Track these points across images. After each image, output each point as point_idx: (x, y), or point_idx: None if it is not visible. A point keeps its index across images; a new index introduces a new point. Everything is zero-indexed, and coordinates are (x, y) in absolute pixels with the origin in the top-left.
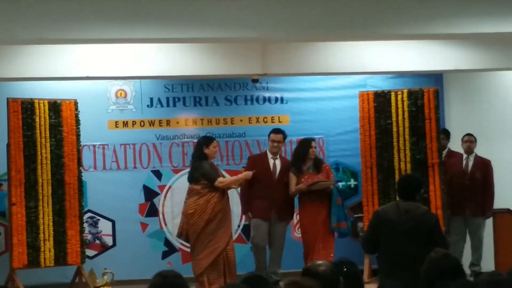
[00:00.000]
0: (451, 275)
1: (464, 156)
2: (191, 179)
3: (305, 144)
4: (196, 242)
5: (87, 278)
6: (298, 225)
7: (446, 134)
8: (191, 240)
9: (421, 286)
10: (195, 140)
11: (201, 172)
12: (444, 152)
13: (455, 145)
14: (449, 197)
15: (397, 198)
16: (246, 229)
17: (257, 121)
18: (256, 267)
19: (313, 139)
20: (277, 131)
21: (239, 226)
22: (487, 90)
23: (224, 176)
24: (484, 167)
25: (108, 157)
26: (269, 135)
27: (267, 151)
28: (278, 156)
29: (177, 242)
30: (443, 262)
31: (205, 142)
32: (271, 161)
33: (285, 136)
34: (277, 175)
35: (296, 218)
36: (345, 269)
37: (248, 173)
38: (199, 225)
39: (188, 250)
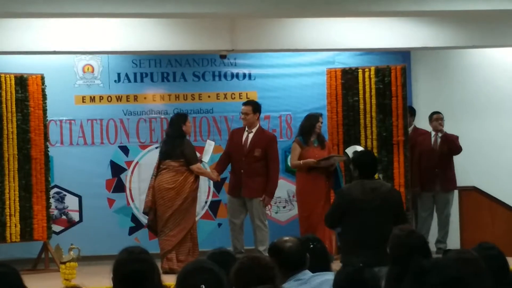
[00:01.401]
0: (416, 252)
1: (433, 133)
2: (170, 155)
3: (312, 118)
4: (170, 218)
5: (53, 253)
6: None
7: (412, 111)
8: (162, 216)
9: (385, 263)
10: (163, 116)
11: (186, 151)
12: (410, 130)
13: (422, 122)
14: (418, 174)
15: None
16: (213, 205)
17: (225, 97)
18: (232, 246)
19: (320, 114)
20: (245, 102)
21: (206, 202)
22: (455, 68)
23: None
24: (451, 142)
25: (75, 133)
26: None
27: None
28: (253, 130)
29: (144, 218)
30: (408, 240)
31: (182, 119)
32: (244, 135)
33: (254, 108)
34: (246, 148)
35: None
36: (311, 246)
37: (213, 177)
38: (175, 201)
39: None
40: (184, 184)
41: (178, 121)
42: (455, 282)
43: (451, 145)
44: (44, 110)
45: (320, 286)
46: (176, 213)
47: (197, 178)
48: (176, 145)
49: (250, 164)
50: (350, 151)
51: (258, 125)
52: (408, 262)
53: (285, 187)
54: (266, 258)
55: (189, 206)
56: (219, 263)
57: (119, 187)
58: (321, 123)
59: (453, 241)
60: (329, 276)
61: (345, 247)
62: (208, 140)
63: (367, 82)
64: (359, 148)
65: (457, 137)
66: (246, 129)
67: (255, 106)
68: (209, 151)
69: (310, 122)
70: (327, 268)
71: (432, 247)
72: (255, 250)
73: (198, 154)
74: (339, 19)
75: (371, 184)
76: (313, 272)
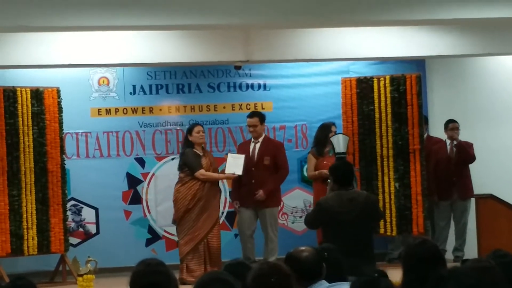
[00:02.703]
0: (429, 261)
1: (448, 142)
2: (178, 167)
3: (325, 128)
4: (178, 227)
5: (70, 266)
6: (281, 212)
7: (424, 120)
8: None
9: (367, 270)
10: (178, 128)
11: (184, 160)
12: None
13: (438, 130)
14: (435, 183)
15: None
16: (229, 216)
17: (240, 108)
18: (243, 255)
19: (333, 124)
20: (250, 114)
21: (222, 213)
22: (470, 76)
23: (212, 163)
24: (465, 151)
25: (91, 145)
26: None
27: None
28: (260, 140)
29: (160, 230)
30: (420, 249)
31: (188, 129)
32: (251, 146)
33: (261, 118)
34: (255, 159)
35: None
36: (326, 256)
37: (230, 176)
38: (180, 211)
39: (172, 237)
40: (187, 194)
41: (186, 132)
42: None
43: (464, 154)
44: (60, 123)
45: None
46: (182, 223)
47: (202, 187)
48: (180, 156)
49: (261, 174)
50: (334, 140)
51: (263, 135)
52: (420, 271)
53: (301, 197)
54: (286, 266)
55: (196, 216)
56: (235, 274)
57: (136, 199)
58: (335, 132)
59: (471, 249)
60: (345, 287)
61: None
62: (236, 154)
63: (382, 91)
64: (342, 138)
65: (471, 145)
66: (253, 140)
67: (261, 117)
68: (240, 164)
69: (323, 132)
70: (343, 278)
71: (450, 256)
72: (264, 260)
73: (228, 166)
74: (353, 29)
75: (348, 195)
76: (329, 282)
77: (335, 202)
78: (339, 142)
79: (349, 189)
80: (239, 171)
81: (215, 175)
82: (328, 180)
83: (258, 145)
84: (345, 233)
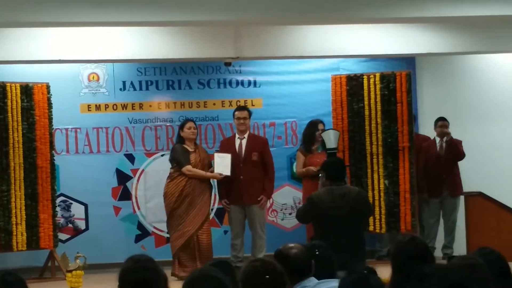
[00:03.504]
0: (418, 258)
1: (438, 139)
2: (170, 162)
3: (312, 126)
4: (168, 223)
5: (59, 262)
6: (270, 209)
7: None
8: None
9: (357, 267)
10: (168, 124)
11: (172, 156)
12: None
13: (428, 128)
14: (425, 180)
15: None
16: (219, 213)
17: (230, 105)
18: (231, 253)
19: (320, 121)
20: (241, 108)
21: (212, 209)
22: (460, 74)
23: (203, 160)
24: (455, 148)
25: (81, 141)
26: (233, 114)
27: (235, 133)
28: (245, 136)
29: (150, 226)
30: (409, 246)
31: (180, 125)
32: (237, 142)
33: (250, 113)
34: (243, 155)
35: (269, 201)
36: (317, 253)
37: (217, 176)
38: (169, 207)
39: (161, 234)
40: (175, 190)
41: (178, 128)
42: (456, 287)
43: (454, 151)
44: (50, 119)
45: None
46: (171, 219)
47: (189, 184)
48: (170, 151)
49: (249, 169)
50: (325, 136)
51: (248, 131)
52: (409, 268)
53: (291, 193)
54: (277, 265)
55: (184, 212)
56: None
57: (125, 195)
58: (322, 130)
59: (460, 247)
60: (334, 284)
61: None
62: (222, 154)
63: (372, 89)
64: (332, 133)
65: (460, 142)
66: (238, 136)
67: (249, 111)
68: (228, 164)
69: (310, 130)
70: (333, 275)
71: (439, 253)
72: (252, 257)
73: (216, 166)
74: (343, 26)
75: (340, 191)
76: (318, 279)
77: (326, 197)
78: (330, 138)
79: (341, 184)
80: (227, 171)
81: (202, 172)
82: (320, 175)
83: (244, 141)
84: (336, 228)
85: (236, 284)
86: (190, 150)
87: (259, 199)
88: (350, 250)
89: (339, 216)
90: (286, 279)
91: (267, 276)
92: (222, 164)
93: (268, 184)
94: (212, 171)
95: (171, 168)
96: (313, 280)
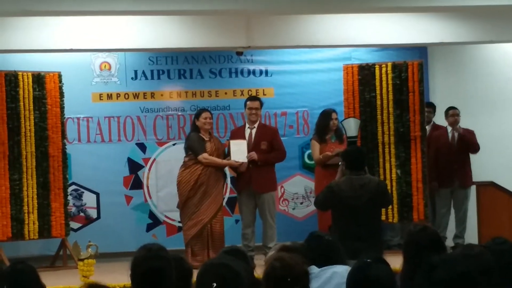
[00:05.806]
0: (430, 248)
1: (449, 129)
2: (184, 151)
3: (325, 116)
4: (182, 212)
5: (71, 250)
6: (282, 198)
7: (432, 107)
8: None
9: (373, 255)
10: (180, 113)
11: (188, 144)
12: (429, 126)
13: (439, 118)
14: (436, 170)
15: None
16: (230, 202)
17: (242, 94)
18: (242, 242)
19: (333, 110)
20: (253, 98)
21: (223, 198)
22: (472, 63)
23: (218, 149)
24: (469, 142)
25: (93, 130)
26: (245, 104)
27: (246, 122)
28: (255, 125)
29: (161, 215)
30: (421, 236)
31: (196, 114)
32: (247, 131)
33: (261, 103)
34: (252, 144)
35: (280, 190)
36: (321, 241)
37: (233, 163)
38: (183, 195)
39: (173, 223)
40: (190, 178)
41: (194, 116)
42: (462, 277)
43: (469, 144)
44: (62, 108)
45: (330, 279)
46: (185, 207)
47: (205, 172)
48: (185, 140)
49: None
50: (345, 124)
51: (259, 121)
52: (421, 258)
53: (302, 183)
54: (298, 265)
55: (198, 201)
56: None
57: (137, 184)
58: (335, 119)
59: (471, 236)
60: (337, 269)
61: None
62: (237, 141)
63: (384, 78)
64: (353, 122)
65: (473, 132)
66: (248, 126)
67: (261, 102)
68: (244, 151)
69: (324, 120)
70: (336, 262)
71: (450, 243)
72: (263, 246)
73: (233, 154)
74: (355, 15)
75: (359, 181)
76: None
77: (346, 187)
78: (351, 125)
79: (360, 174)
80: (243, 158)
81: (218, 160)
82: (339, 163)
83: (254, 131)
84: (354, 218)
85: (250, 271)
86: (205, 139)
87: (273, 192)
88: (367, 240)
89: (358, 206)
90: (308, 279)
91: (288, 281)
92: (239, 150)
93: (270, 155)
94: (228, 160)
95: (185, 157)
96: (314, 268)
